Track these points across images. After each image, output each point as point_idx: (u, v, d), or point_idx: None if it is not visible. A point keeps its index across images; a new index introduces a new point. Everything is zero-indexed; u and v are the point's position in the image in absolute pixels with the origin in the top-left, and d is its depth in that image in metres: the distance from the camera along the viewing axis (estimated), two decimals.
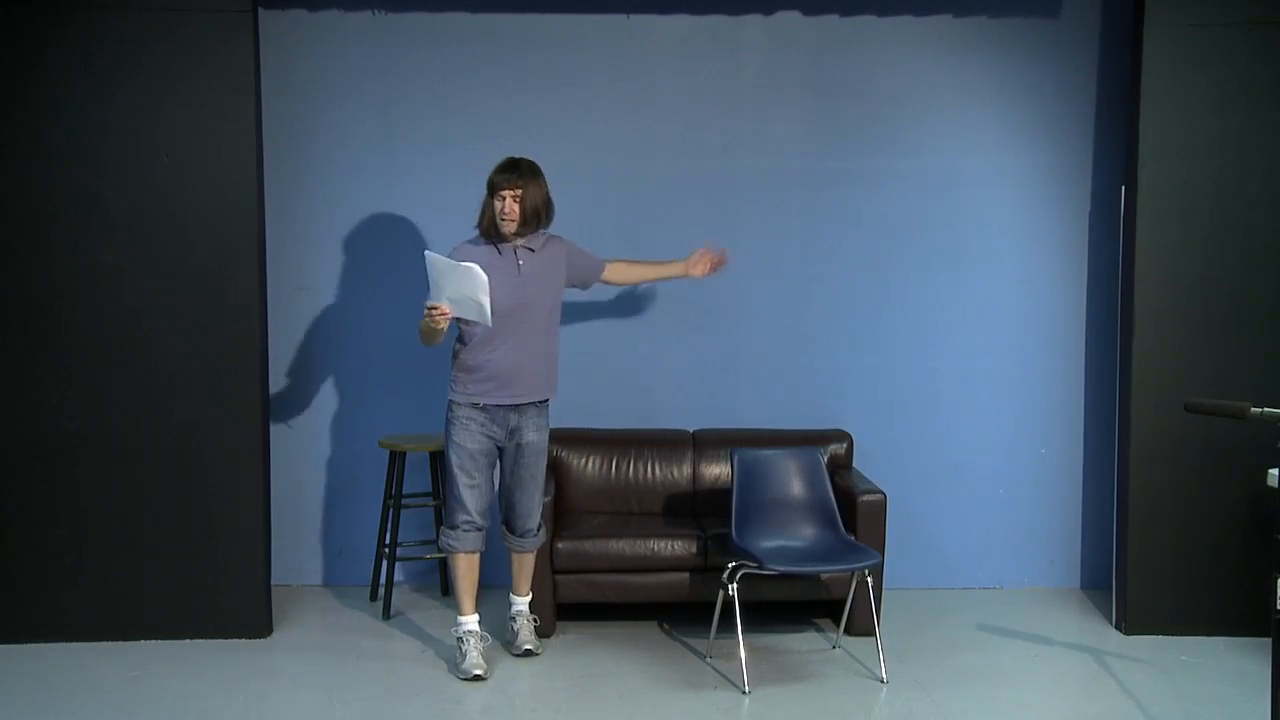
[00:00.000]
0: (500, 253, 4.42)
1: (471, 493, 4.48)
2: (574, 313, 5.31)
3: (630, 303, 5.41)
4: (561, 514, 5.03)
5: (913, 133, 5.40)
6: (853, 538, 4.63)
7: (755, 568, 4.28)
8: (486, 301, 4.19)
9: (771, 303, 5.45)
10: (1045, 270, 5.48)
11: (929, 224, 5.44)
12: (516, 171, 4.37)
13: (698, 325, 5.43)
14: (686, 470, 5.24)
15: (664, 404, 5.45)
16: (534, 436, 4.55)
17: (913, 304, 5.47)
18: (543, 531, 4.62)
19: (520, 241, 4.43)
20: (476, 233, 4.49)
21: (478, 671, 4.37)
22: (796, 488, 4.62)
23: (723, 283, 5.35)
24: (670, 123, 5.38)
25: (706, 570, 4.74)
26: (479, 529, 4.49)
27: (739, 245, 5.38)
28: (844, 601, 4.72)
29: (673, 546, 4.76)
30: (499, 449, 4.55)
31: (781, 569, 4.24)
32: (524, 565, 4.64)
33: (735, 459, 4.62)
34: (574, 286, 4.65)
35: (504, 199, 4.36)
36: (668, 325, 5.41)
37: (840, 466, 5.21)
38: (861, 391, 5.47)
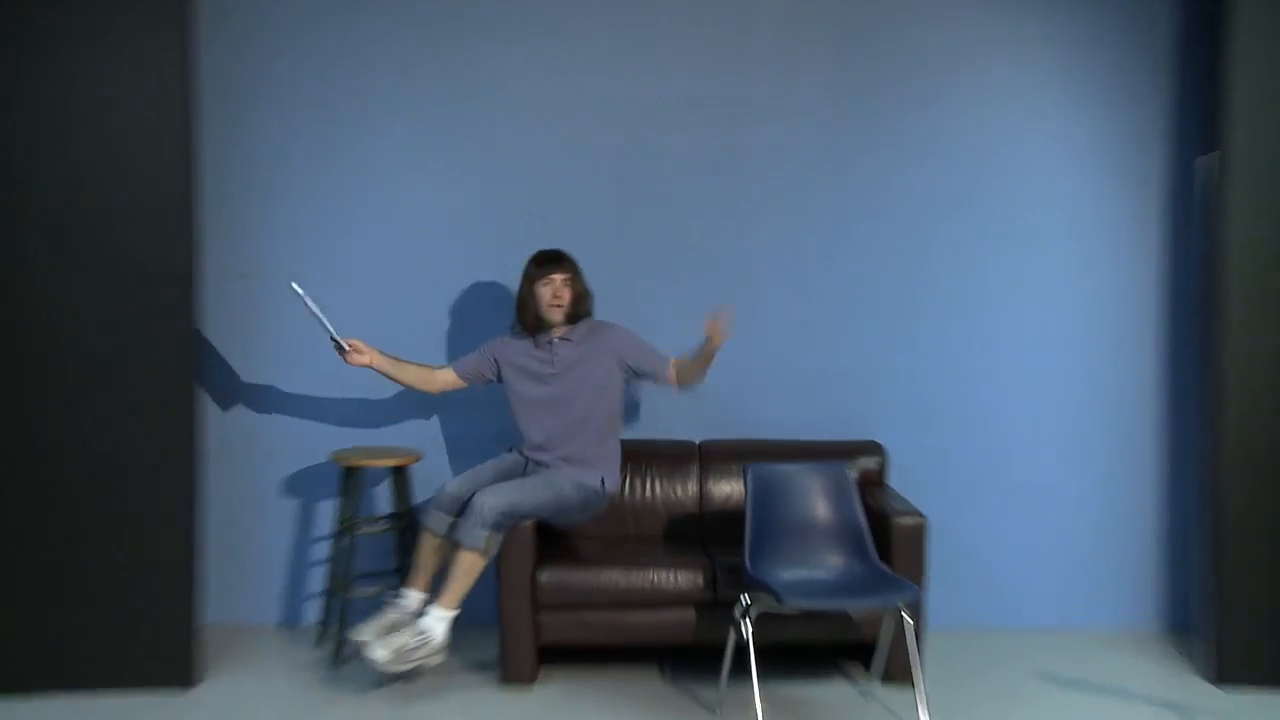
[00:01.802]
0: (536, 345, 4.87)
1: (466, 474, 4.74)
2: None
3: (625, 298, 5.30)
4: (545, 539, 4.89)
5: (954, 95, 5.34)
6: (888, 568, 4.53)
7: (773, 603, 4.17)
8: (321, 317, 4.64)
9: (790, 294, 5.38)
10: (1111, 256, 5.39)
11: (973, 202, 5.36)
12: (563, 259, 4.82)
13: (703, 321, 5.14)
14: (692, 488, 5.16)
15: (665, 412, 5.38)
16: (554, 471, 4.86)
17: (955, 295, 5.37)
18: (486, 538, 4.52)
19: (559, 333, 4.84)
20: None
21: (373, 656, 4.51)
22: (821, 509, 4.59)
23: (733, 272, 5.35)
24: (672, 85, 5.32)
25: (716, 606, 4.66)
26: (438, 507, 4.65)
27: (751, 227, 5.36)
28: (878, 644, 4.67)
29: (675, 578, 4.65)
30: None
31: (804, 604, 4.15)
32: (454, 563, 4.58)
33: (749, 475, 4.58)
34: (641, 378, 4.95)
35: (552, 283, 4.78)
36: (669, 323, 5.28)
37: (872, 484, 5.14)
38: (896, 397, 5.39)
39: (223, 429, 5.32)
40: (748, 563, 4.41)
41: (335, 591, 5.05)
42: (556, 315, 4.80)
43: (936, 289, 5.35)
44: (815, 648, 4.87)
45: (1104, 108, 5.31)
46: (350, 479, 4.98)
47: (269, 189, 5.30)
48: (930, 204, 5.33)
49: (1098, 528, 5.41)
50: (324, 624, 5.18)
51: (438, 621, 4.53)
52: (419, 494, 5.21)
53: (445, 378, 4.88)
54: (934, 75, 5.31)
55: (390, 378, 4.85)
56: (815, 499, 4.58)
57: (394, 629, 4.58)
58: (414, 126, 5.26)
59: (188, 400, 4.56)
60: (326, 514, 5.36)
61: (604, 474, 4.82)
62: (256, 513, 5.37)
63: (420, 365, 4.86)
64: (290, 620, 5.40)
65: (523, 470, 4.84)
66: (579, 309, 4.84)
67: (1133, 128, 5.32)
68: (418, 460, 5.09)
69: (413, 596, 4.66)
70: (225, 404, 5.33)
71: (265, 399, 5.34)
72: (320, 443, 5.30)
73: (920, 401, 5.37)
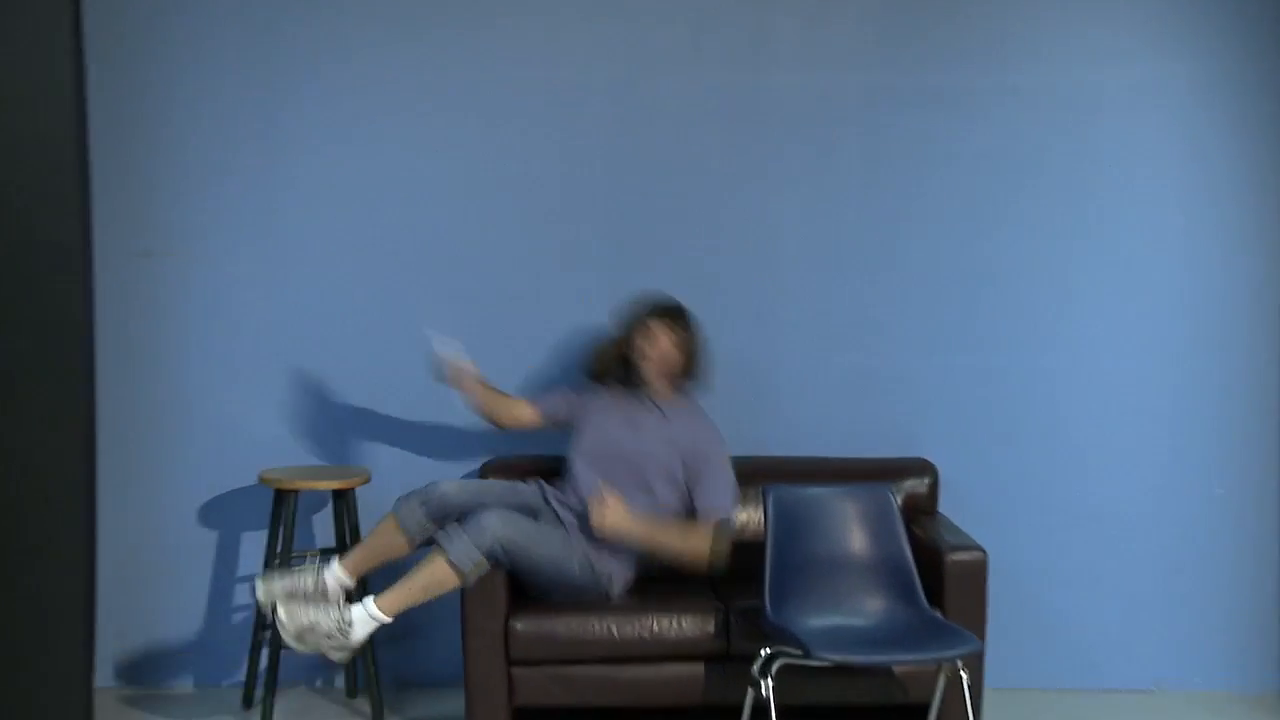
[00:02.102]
0: (619, 394, 5.05)
1: (470, 483, 4.83)
2: (547, 302, 5.34)
3: (612, 290, 5.26)
4: (520, 578, 4.82)
5: (1027, 32, 5.34)
6: (940, 614, 4.52)
7: (799, 656, 4.18)
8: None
9: (821, 280, 5.38)
10: (1223, 232, 5.36)
11: (1051, 167, 5.34)
12: (684, 317, 5.00)
13: (716, 313, 5.26)
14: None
15: None
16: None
17: (1025, 282, 5.37)
18: (476, 563, 4.52)
19: (653, 393, 5.02)
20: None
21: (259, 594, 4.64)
22: (858, 541, 4.60)
23: (752, 253, 5.38)
24: (676, 22, 5.32)
25: (729, 660, 4.60)
26: (423, 503, 4.68)
27: (774, 199, 5.37)
28: (929, 707, 4.59)
29: (679, 625, 4.63)
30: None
31: (837, 658, 4.15)
32: (420, 566, 4.60)
33: (770, 500, 4.57)
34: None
35: (651, 332, 4.96)
36: None
37: (921, 511, 5.12)
38: (950, 405, 5.39)
39: (123, 442, 5.23)
40: (768, 607, 4.38)
41: (264, 644, 4.98)
42: (649, 370, 4.94)
43: (1002, 274, 5.34)
44: (851, 710, 4.80)
45: (1219, 42, 5.27)
46: (282, 505, 4.95)
47: (182, 146, 5.27)
48: (995, 171, 5.32)
49: (1198, 567, 5.37)
50: (250, 684, 5.10)
51: (368, 620, 4.52)
52: (366, 523, 5.10)
53: (521, 413, 5.03)
54: (1000, 9, 5.29)
55: (475, 403, 4.99)
56: (851, 529, 4.57)
57: (302, 598, 4.59)
58: (369, 67, 5.25)
59: (79, 407, 4.38)
60: (253, 549, 5.30)
61: (614, 574, 4.82)
62: (165, 548, 5.32)
63: (501, 393, 5.03)
64: (208, 680, 5.35)
65: (537, 513, 4.85)
66: (683, 375, 5.00)
67: (1256, 69, 5.26)
68: (365, 482, 5.05)
69: (335, 574, 4.66)
70: (127, 412, 5.25)
71: (177, 405, 5.29)
72: (245, 460, 5.23)
73: (980, 411, 5.35)
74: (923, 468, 5.16)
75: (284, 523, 4.91)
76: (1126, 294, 5.35)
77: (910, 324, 5.36)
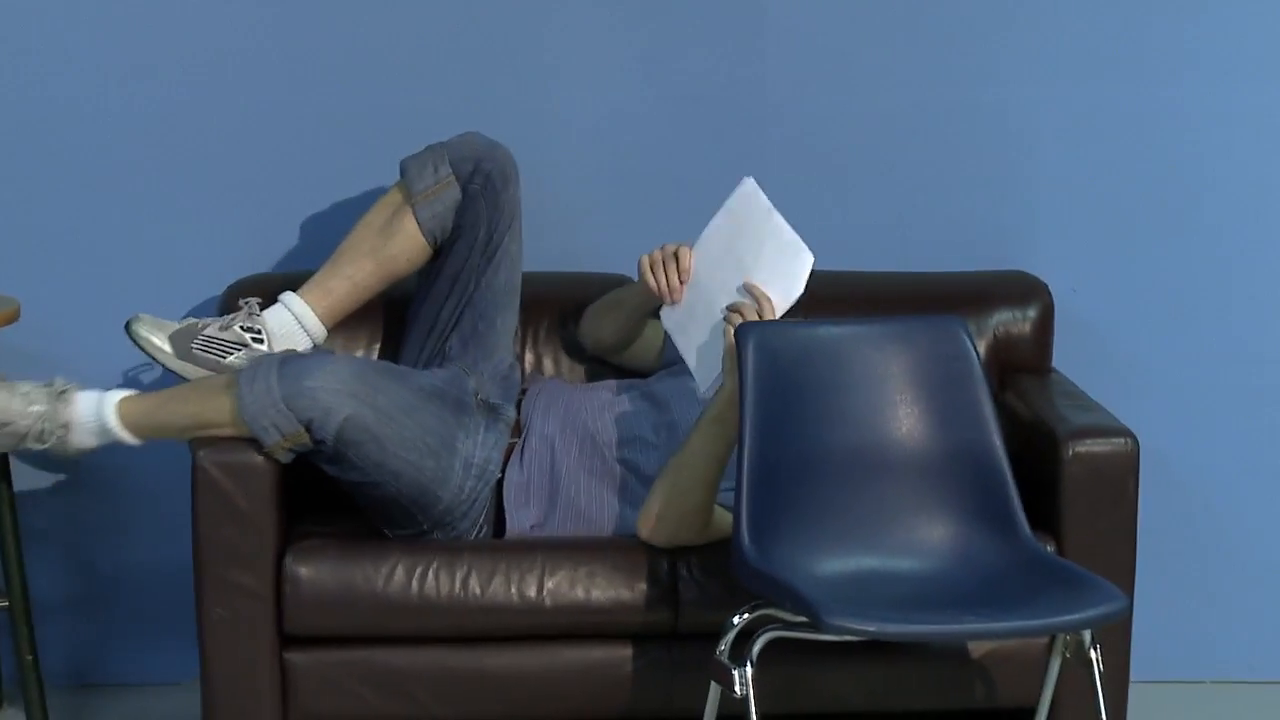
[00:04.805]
0: None
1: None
2: None
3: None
4: (307, 474, 4.59)
5: None
6: (1053, 549, 4.40)
7: (800, 627, 3.91)
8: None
9: None
10: None
11: None
12: None
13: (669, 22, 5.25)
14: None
15: (584, 222, 5.26)
16: None
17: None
18: (271, 415, 4.48)
19: None
20: None
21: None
22: (906, 420, 4.37)
23: None
24: None
25: (675, 639, 4.47)
26: (447, 150, 4.90)
27: None
28: (1033, 713, 4.44)
29: (590, 578, 4.45)
30: None
31: (869, 629, 3.82)
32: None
33: (749, 348, 4.32)
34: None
35: None
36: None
37: (1021, 367, 5.00)
38: (1078, 192, 5.32)
39: None
40: (746, 541, 4.10)
41: None
42: None
43: None
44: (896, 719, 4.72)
45: None
46: None
47: None
48: None
49: None
50: None
51: (97, 423, 4.43)
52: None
53: None
54: None
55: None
56: (895, 399, 4.32)
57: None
58: None
59: None
60: None
61: (527, 518, 4.78)
62: None
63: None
64: None
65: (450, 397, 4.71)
66: None
67: None
68: (11, 321, 4.83)
69: (294, 306, 4.70)
70: None
71: None
72: None
73: (1128, 204, 5.26)
74: (1023, 289, 5.00)
75: None
76: None
77: (1015, 48, 5.23)
